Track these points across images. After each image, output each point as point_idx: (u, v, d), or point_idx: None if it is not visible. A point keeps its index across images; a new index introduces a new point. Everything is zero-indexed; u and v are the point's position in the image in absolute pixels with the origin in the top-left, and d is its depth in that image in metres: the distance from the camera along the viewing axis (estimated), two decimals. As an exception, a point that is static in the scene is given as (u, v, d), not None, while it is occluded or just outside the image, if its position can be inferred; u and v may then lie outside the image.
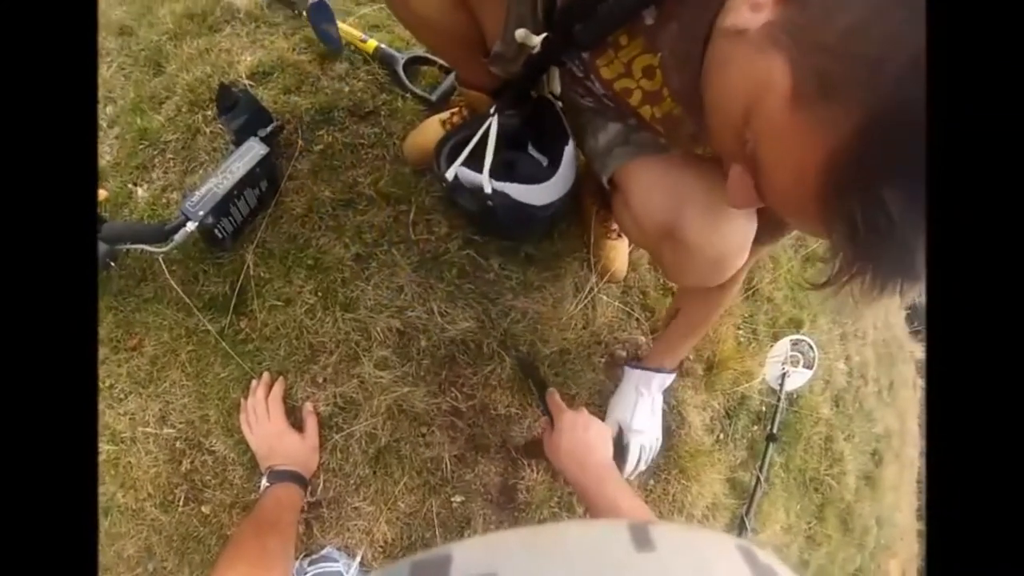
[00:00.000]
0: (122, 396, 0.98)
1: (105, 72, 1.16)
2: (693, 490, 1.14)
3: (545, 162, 0.94)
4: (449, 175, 0.86)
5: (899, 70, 0.34)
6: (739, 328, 1.34)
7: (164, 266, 0.96)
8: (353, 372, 0.97)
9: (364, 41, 1.18)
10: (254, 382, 0.95)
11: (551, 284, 1.08)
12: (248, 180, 0.94)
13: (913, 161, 0.34)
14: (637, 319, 1.16)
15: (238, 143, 0.96)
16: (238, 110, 1.00)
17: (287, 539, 0.78)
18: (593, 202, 1.07)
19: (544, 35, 0.66)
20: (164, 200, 1.05)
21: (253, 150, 0.95)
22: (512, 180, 0.85)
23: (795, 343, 1.40)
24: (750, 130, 0.44)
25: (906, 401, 2.35)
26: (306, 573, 0.85)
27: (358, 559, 0.90)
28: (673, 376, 1.02)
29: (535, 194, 0.86)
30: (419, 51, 1.18)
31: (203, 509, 0.95)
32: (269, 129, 1.01)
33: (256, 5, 1.25)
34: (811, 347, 1.41)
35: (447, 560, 0.18)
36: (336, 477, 0.95)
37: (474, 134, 0.85)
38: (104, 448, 0.96)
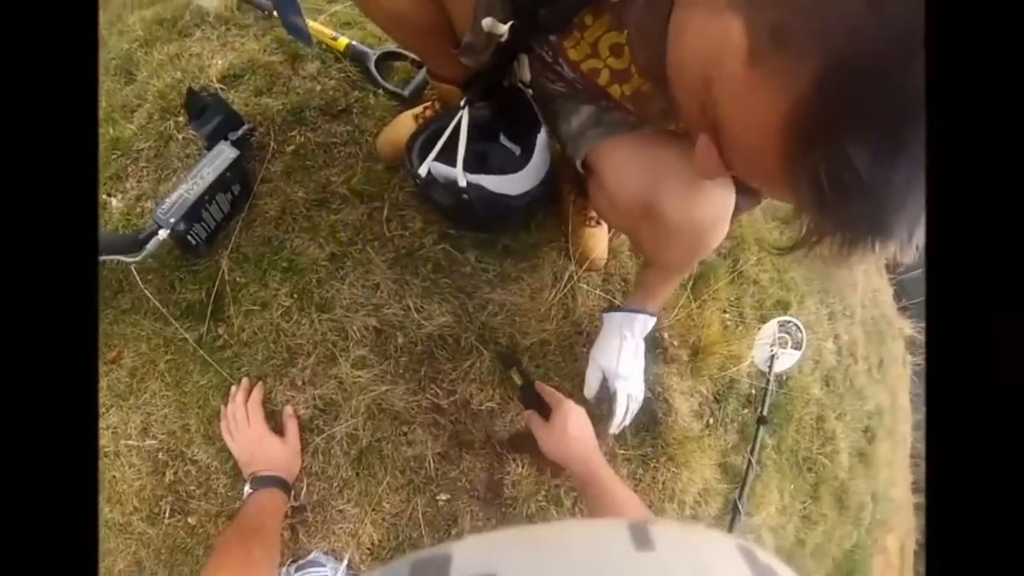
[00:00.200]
0: (103, 410, 0.97)
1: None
2: (683, 477, 1.14)
3: (518, 151, 0.93)
4: (422, 171, 0.85)
5: (853, 19, 0.34)
6: (725, 312, 1.33)
7: (138, 276, 0.95)
8: (331, 373, 0.96)
9: (335, 39, 1.17)
10: (233, 388, 0.94)
11: (529, 275, 1.07)
12: (219, 185, 0.93)
13: (878, 114, 0.34)
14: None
15: (210, 148, 0.95)
16: (208, 115, 0.99)
17: (271, 545, 0.78)
18: (570, 190, 1.06)
19: (511, 22, 0.65)
20: (139, 209, 1.04)
21: (224, 154, 0.94)
22: (485, 172, 0.84)
23: (783, 324, 1.39)
24: (711, 96, 0.44)
25: (896, 378, 2.36)
26: (294, 578, 0.84)
27: (345, 562, 0.90)
28: (655, 320, 0.97)
29: (510, 184, 0.85)
30: (391, 47, 1.17)
31: (189, 520, 0.95)
32: (240, 132, 1.00)
33: (226, 7, 1.24)
34: (799, 328, 1.41)
35: (447, 560, 0.18)
36: (319, 480, 0.94)
37: (445, 127, 0.85)
38: (88, 462, 0.95)
